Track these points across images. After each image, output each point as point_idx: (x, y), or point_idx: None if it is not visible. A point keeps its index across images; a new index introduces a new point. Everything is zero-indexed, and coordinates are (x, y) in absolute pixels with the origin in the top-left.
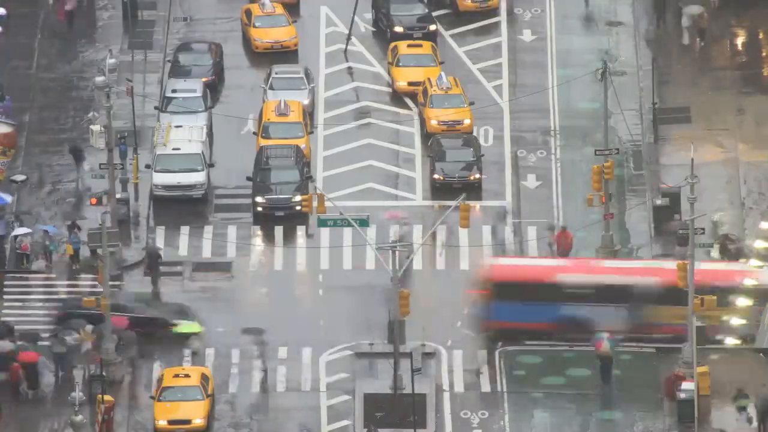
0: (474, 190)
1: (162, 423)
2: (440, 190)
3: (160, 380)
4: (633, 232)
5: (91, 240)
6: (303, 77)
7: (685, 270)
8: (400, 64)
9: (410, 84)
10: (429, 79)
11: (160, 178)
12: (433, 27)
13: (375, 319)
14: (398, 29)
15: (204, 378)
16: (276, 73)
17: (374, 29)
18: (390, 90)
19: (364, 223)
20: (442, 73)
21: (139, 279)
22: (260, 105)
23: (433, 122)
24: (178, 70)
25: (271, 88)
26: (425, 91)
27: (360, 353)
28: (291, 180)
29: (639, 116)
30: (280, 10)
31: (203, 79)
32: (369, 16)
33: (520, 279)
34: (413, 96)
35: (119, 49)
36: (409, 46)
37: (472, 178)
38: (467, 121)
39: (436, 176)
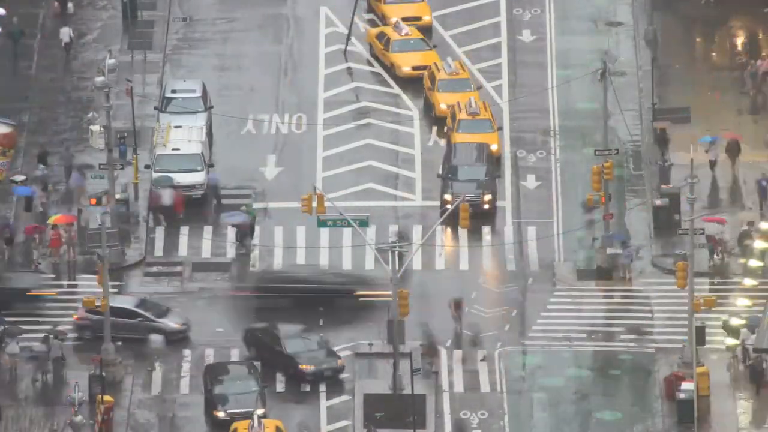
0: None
1: None
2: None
3: None
4: (633, 232)
5: (90, 240)
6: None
7: (684, 270)
8: (440, 90)
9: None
10: (458, 102)
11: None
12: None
13: (374, 318)
14: None
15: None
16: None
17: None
18: (390, 90)
19: (363, 223)
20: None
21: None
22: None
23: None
24: None
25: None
26: (453, 115)
27: (360, 353)
28: None
29: (639, 116)
30: None
31: None
32: (369, 16)
33: None
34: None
35: (119, 49)
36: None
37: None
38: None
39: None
